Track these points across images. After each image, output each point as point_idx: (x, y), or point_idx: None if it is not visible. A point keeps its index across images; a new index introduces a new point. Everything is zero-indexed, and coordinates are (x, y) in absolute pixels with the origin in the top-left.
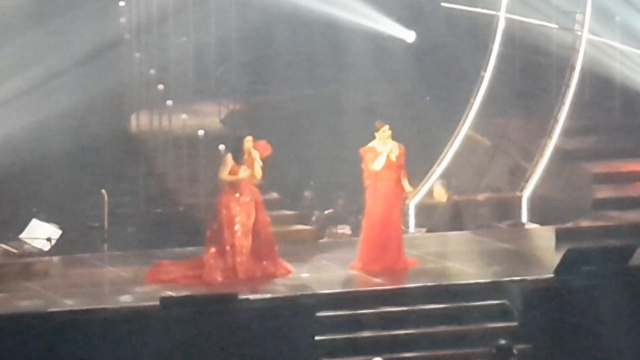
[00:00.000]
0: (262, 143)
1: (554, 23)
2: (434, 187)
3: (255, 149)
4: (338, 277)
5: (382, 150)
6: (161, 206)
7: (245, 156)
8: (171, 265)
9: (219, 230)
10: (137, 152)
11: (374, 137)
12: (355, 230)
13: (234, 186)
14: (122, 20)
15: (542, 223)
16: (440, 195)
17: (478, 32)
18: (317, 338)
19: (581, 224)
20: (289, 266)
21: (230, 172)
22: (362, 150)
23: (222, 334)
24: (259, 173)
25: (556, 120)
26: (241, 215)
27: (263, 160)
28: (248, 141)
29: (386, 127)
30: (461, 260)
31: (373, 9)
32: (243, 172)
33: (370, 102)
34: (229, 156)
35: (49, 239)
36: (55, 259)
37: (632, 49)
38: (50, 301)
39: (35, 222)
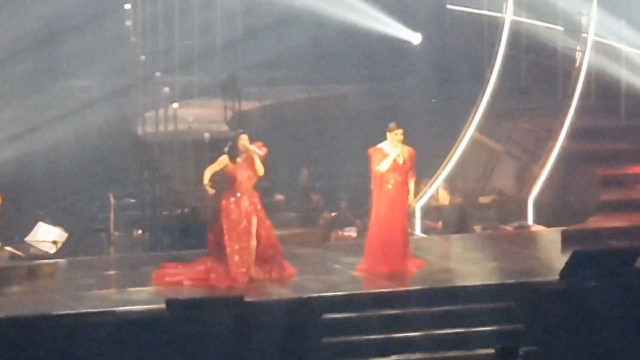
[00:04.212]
0: (258, 144)
1: (559, 25)
2: (437, 190)
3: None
4: (344, 280)
5: (391, 152)
6: (167, 209)
7: (243, 155)
8: (177, 267)
9: (220, 234)
10: (143, 155)
11: (381, 140)
12: (362, 233)
13: (234, 189)
14: (128, 23)
15: (548, 225)
16: (443, 198)
17: (484, 34)
18: (323, 340)
19: (587, 226)
20: (293, 268)
21: (229, 172)
22: (370, 151)
23: (228, 337)
24: (260, 169)
25: (562, 123)
26: (242, 219)
27: (262, 161)
28: (243, 139)
29: (400, 130)
30: (467, 262)
31: (380, 11)
32: (210, 188)
33: (377, 104)
34: (224, 157)
35: (55, 242)
36: (62, 261)
37: (638, 51)
38: (57, 304)
39: (41, 225)
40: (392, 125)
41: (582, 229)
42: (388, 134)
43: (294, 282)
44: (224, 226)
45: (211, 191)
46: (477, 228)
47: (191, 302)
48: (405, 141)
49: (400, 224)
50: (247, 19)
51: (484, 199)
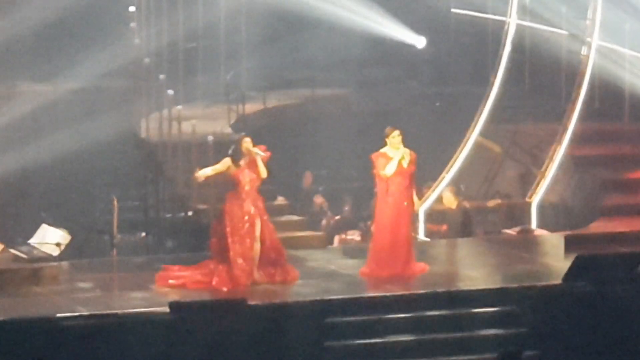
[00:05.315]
0: (261, 148)
1: (564, 29)
2: (442, 193)
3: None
4: (347, 283)
5: (394, 156)
6: (170, 211)
7: (247, 158)
8: (180, 270)
9: (224, 237)
10: (147, 157)
11: (385, 143)
12: (365, 236)
13: (237, 192)
14: (132, 25)
15: (551, 229)
16: (450, 201)
17: (488, 38)
18: (326, 344)
19: (591, 230)
20: (296, 272)
21: (233, 175)
22: (373, 156)
23: (230, 340)
24: (263, 171)
25: (566, 127)
26: (245, 222)
27: (265, 164)
28: (246, 142)
29: (396, 132)
30: (470, 266)
31: (384, 14)
32: (199, 176)
33: (381, 107)
34: (227, 159)
35: (58, 244)
36: (65, 264)
37: None
38: (59, 306)
39: (44, 227)
40: (388, 129)
41: (586, 234)
42: (386, 139)
43: (297, 286)
44: (228, 229)
45: (200, 179)
46: (480, 232)
47: (194, 305)
48: (409, 145)
49: (405, 228)
50: (250, 22)
51: (489, 203)
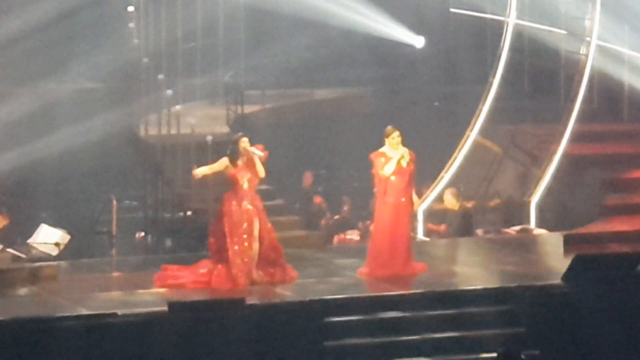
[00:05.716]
0: (259, 147)
1: (562, 29)
2: (444, 195)
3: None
4: (346, 283)
5: (393, 155)
6: (169, 211)
7: (244, 158)
8: (179, 270)
9: (222, 236)
10: (146, 157)
11: (384, 143)
12: (364, 236)
13: (235, 192)
14: (131, 25)
15: (550, 229)
16: (452, 203)
17: (487, 38)
18: (325, 344)
19: (590, 230)
20: (295, 271)
21: (230, 175)
22: (372, 156)
23: (230, 340)
24: (261, 171)
25: (565, 126)
26: (244, 221)
27: (263, 164)
28: (244, 142)
29: (397, 133)
30: (469, 265)
31: (383, 14)
32: (197, 174)
33: (380, 107)
34: (225, 159)
35: (57, 244)
36: (64, 264)
37: None
38: (59, 306)
39: (43, 227)
40: (388, 129)
41: (584, 233)
42: (386, 139)
43: (296, 285)
44: (226, 229)
45: (197, 177)
46: (480, 231)
47: (193, 304)
48: (408, 144)
49: (404, 227)
50: (250, 21)
51: (489, 203)
